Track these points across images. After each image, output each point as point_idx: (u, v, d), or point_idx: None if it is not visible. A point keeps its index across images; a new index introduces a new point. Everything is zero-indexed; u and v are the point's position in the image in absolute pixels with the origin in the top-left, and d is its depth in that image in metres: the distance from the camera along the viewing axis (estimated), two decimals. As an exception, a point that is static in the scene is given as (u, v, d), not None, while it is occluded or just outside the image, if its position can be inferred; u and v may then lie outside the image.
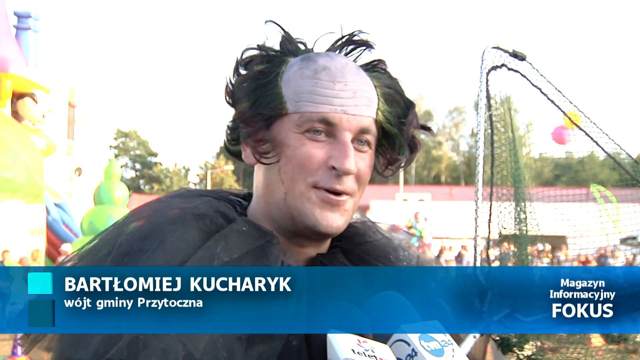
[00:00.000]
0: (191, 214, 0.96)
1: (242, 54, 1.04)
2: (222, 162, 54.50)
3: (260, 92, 0.98)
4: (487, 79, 1.52)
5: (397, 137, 1.03)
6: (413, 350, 0.77)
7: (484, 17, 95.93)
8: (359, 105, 0.97)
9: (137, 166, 61.02)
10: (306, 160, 0.95)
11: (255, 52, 1.04)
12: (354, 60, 1.05)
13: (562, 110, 1.62)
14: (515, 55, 1.52)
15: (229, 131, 1.09)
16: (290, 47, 1.04)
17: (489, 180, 1.53)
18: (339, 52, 1.05)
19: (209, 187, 32.96)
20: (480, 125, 1.49)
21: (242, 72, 1.03)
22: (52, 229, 12.34)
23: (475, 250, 1.45)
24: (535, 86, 1.59)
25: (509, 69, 1.54)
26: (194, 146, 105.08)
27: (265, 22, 1.04)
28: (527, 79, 1.57)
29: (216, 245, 0.91)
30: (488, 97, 1.53)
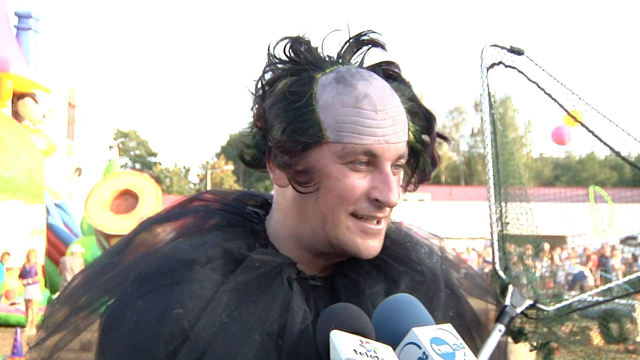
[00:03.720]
0: (198, 265, 0.94)
1: (264, 73, 0.99)
2: (222, 162, 54.51)
3: (294, 115, 0.94)
4: (487, 77, 1.52)
5: (423, 154, 1.02)
6: (424, 353, 0.76)
7: (484, 16, 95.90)
8: (397, 132, 0.95)
9: (137, 166, 61.00)
10: (349, 192, 0.93)
11: (276, 68, 0.99)
12: (361, 62, 1.02)
13: (562, 106, 1.60)
14: (512, 50, 1.51)
15: (246, 146, 1.05)
16: (312, 58, 0.99)
17: (494, 179, 1.53)
18: (351, 55, 1.02)
19: (208, 187, 32.92)
20: (485, 124, 1.49)
21: (268, 91, 0.98)
22: (52, 229, 12.34)
23: (492, 247, 1.45)
24: (533, 81, 1.57)
25: (506, 66, 1.54)
26: (194, 146, 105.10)
27: (282, 39, 0.99)
28: (524, 75, 1.56)
29: (218, 306, 0.90)
30: (489, 95, 1.53)
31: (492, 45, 1.51)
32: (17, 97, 10.84)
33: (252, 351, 0.88)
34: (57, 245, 12.42)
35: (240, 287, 0.92)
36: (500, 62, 1.53)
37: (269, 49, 0.99)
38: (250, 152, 1.04)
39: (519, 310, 1.19)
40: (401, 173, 1.01)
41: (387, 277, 1.04)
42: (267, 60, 1.00)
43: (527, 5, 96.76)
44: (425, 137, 1.02)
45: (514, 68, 1.55)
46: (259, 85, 0.99)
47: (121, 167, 16.64)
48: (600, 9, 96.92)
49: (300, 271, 1.00)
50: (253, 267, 0.95)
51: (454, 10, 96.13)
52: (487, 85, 1.52)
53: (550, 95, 1.59)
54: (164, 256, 0.97)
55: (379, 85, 0.96)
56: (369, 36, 1.01)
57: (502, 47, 1.51)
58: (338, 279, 1.02)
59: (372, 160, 0.94)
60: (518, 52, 1.52)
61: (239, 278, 0.93)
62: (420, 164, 1.03)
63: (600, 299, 1.74)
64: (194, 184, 61.37)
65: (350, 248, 0.96)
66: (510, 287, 1.24)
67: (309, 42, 0.99)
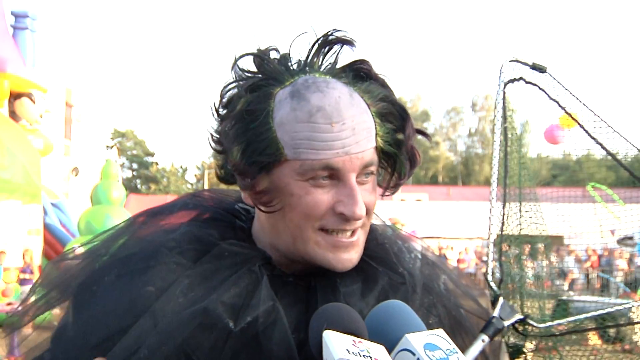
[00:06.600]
0: (165, 248, 0.97)
1: (221, 95, 0.98)
2: (220, 162, 54.36)
3: (252, 135, 0.91)
4: (504, 91, 1.46)
5: (398, 156, 0.99)
6: (418, 359, 0.76)
7: (482, 16, 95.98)
8: (359, 141, 0.92)
9: (134, 166, 60.91)
10: (312, 209, 0.92)
11: (233, 86, 0.97)
12: (334, 62, 0.99)
13: (583, 128, 1.56)
14: (534, 67, 1.47)
15: (219, 168, 1.05)
16: (272, 72, 0.96)
17: (502, 185, 1.50)
18: (321, 58, 0.98)
19: (206, 187, 32.89)
20: (496, 137, 1.45)
21: (224, 113, 0.97)
22: (49, 228, 12.29)
23: (487, 258, 1.43)
24: (553, 100, 1.53)
25: (527, 82, 1.49)
26: (191, 146, 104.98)
27: (240, 56, 0.97)
28: (545, 93, 1.52)
29: (177, 287, 0.91)
30: (504, 110, 1.48)
31: (512, 61, 1.45)
32: (14, 97, 10.81)
33: (197, 331, 0.87)
34: (54, 245, 12.37)
35: (204, 274, 0.93)
36: (520, 78, 1.48)
37: (232, 67, 0.98)
38: (222, 172, 1.04)
39: (506, 323, 1.18)
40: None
41: (366, 276, 1.03)
42: (231, 77, 0.98)
43: (526, 5, 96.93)
44: (400, 136, 0.98)
45: (534, 85, 1.50)
46: (218, 106, 0.98)
47: (120, 166, 16.64)
48: (602, 10, 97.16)
49: (275, 267, 0.99)
50: (221, 256, 0.95)
51: (452, 10, 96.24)
52: (503, 99, 1.47)
53: (571, 115, 1.56)
54: (141, 241, 1.03)
55: (334, 96, 0.92)
56: (335, 35, 0.98)
57: (524, 63, 1.46)
58: (316, 278, 1.01)
59: (334, 173, 0.91)
60: (540, 70, 1.47)
61: (205, 265, 0.94)
62: (396, 166, 1.00)
63: (592, 319, 1.73)
64: (191, 184, 61.25)
65: (323, 263, 0.95)
66: (501, 299, 1.22)
67: (269, 55, 0.97)
